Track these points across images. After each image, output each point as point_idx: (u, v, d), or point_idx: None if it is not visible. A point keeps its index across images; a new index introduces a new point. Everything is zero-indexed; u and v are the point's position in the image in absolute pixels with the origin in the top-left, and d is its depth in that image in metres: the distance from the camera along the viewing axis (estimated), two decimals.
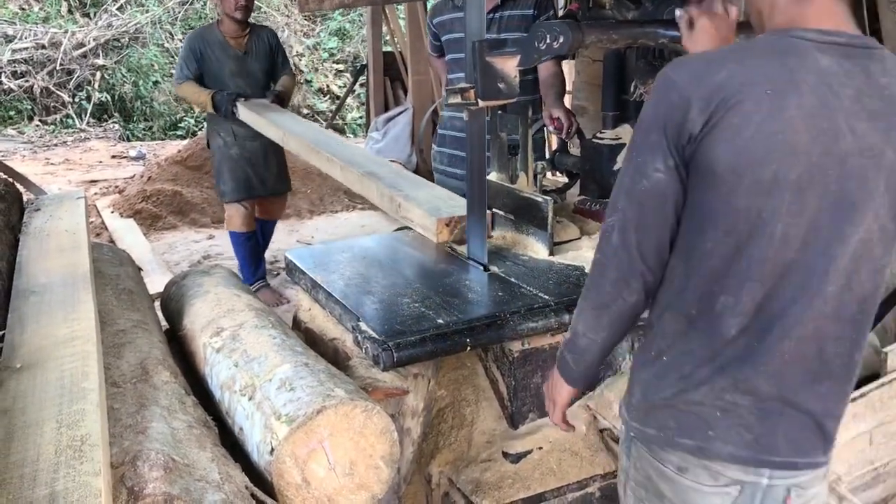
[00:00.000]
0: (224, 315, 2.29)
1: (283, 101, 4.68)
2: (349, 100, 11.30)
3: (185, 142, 8.30)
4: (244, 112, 4.39)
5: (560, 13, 3.65)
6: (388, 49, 7.76)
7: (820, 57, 1.25)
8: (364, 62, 8.06)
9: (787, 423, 1.35)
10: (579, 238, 2.68)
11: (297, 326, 2.59)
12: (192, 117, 11.33)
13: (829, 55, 1.25)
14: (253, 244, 4.87)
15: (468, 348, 2.15)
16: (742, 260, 1.29)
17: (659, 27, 2.26)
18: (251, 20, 4.78)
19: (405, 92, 7.48)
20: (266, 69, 4.74)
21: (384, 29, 7.57)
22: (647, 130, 1.32)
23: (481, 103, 2.29)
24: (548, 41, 2.15)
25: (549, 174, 4.08)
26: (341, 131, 11.34)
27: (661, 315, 1.43)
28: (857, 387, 2.57)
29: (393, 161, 6.64)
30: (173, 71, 12.12)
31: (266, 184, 4.77)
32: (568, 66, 5.14)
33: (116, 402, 1.78)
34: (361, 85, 9.46)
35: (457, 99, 2.33)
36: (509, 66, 2.26)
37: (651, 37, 2.24)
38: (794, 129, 1.22)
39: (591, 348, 1.53)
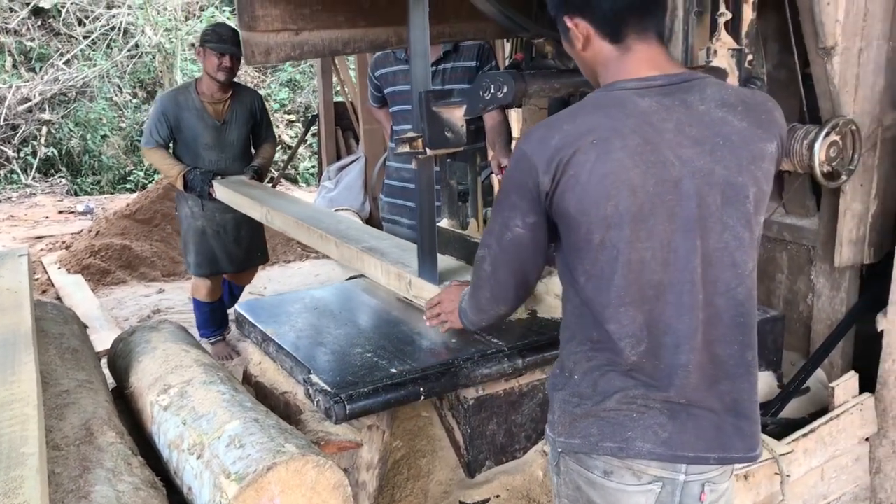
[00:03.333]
0: (171, 372, 2.24)
1: (262, 175, 4.28)
2: (301, 150, 11.31)
3: (135, 195, 8.19)
4: (221, 191, 3.99)
5: (506, 62, 3.72)
6: (340, 99, 7.81)
7: (639, 101, 1.44)
8: (315, 112, 8.09)
9: (694, 422, 1.49)
10: None
11: (248, 381, 2.54)
12: (141, 170, 11.21)
13: (649, 97, 1.45)
14: (216, 310, 4.50)
15: (422, 397, 2.13)
16: (611, 289, 1.45)
17: None
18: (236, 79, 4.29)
19: (357, 141, 7.51)
20: (246, 137, 4.28)
21: (335, 80, 7.63)
22: (508, 192, 1.53)
23: (429, 152, 2.31)
24: (492, 91, 2.19)
25: None
26: (294, 181, 11.32)
27: (570, 339, 1.58)
28: (808, 423, 2.61)
29: (346, 209, 6.67)
30: (122, 125, 12.10)
31: (234, 261, 4.32)
32: (516, 114, 5.23)
33: (58, 466, 1.72)
34: (313, 135, 9.49)
35: (406, 148, 2.35)
36: (456, 115, 2.29)
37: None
38: (624, 166, 1.40)
39: (478, 324, 1.85)
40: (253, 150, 4.36)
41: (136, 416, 2.29)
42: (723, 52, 2.28)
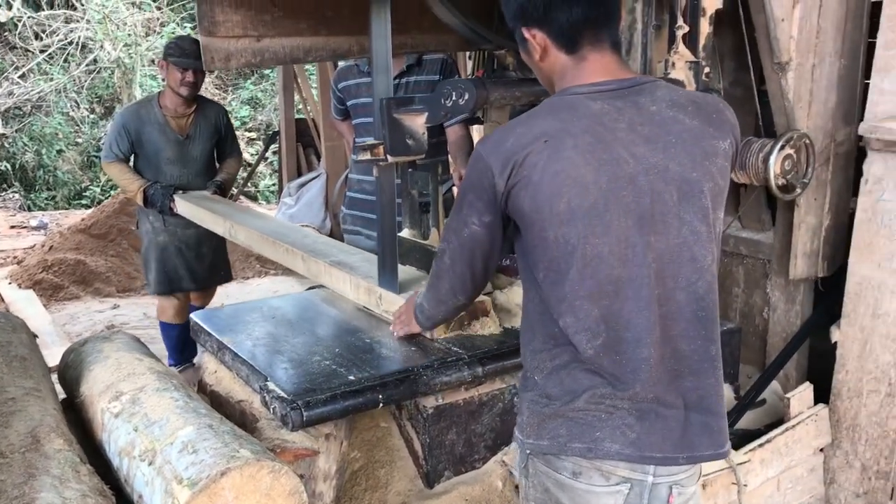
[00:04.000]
0: (124, 379, 2.18)
1: (225, 190, 4.15)
2: (261, 167, 11.23)
3: (90, 210, 8.04)
4: (182, 206, 3.86)
5: (468, 78, 3.73)
6: (302, 116, 7.79)
7: (591, 104, 1.49)
8: (276, 129, 8.04)
9: (662, 423, 1.50)
10: (491, 292, 2.69)
11: (203, 390, 2.49)
12: (97, 186, 11.03)
13: (600, 100, 1.50)
14: (184, 333, 4.03)
15: (380, 405, 2.11)
16: (565, 283, 1.48)
17: None
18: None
19: (318, 157, 7.48)
20: (209, 151, 4.16)
21: (297, 97, 7.60)
22: (465, 191, 1.59)
23: (390, 159, 2.30)
24: (454, 98, 2.20)
25: None
26: (254, 199, 11.22)
27: (531, 338, 1.60)
28: (764, 434, 2.64)
29: (306, 226, 6.62)
30: (79, 140, 11.91)
31: (196, 278, 4.16)
32: (478, 132, 5.25)
33: (2, 474, 1.67)
34: (274, 152, 9.43)
35: (366, 155, 2.34)
36: (417, 122, 2.29)
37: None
38: (575, 164, 1.44)
39: (435, 318, 1.99)
40: (217, 165, 4.25)
41: (86, 425, 2.22)
42: (680, 64, 2.32)
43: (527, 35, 1.57)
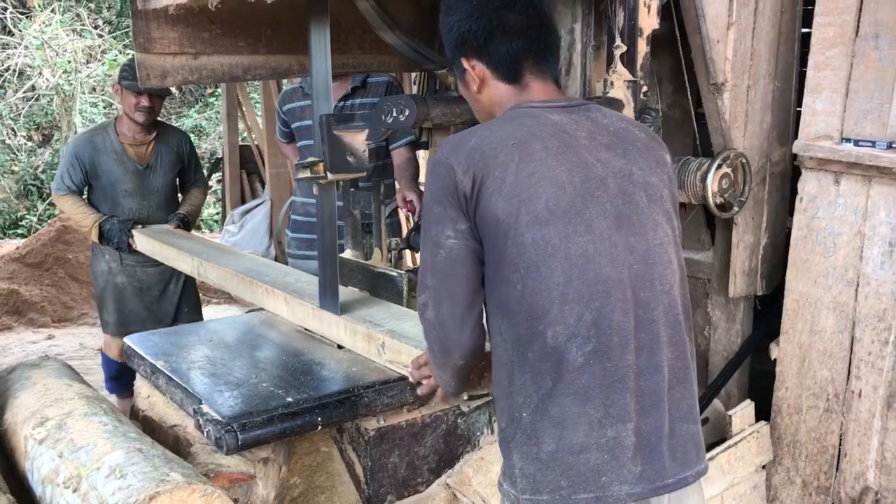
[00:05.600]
0: (50, 405, 2.10)
1: (189, 224, 3.81)
2: None
3: (26, 239, 7.81)
4: (142, 242, 3.54)
5: None
6: (246, 143, 7.70)
7: (550, 115, 1.48)
8: (220, 156, 7.94)
9: (661, 443, 1.42)
10: None
11: (136, 416, 2.40)
12: (34, 215, 10.74)
13: (556, 113, 1.50)
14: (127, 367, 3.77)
15: (319, 427, 2.06)
16: (552, 288, 1.38)
17: None
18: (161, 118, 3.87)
19: (262, 184, 7.40)
20: (171, 182, 3.83)
21: (241, 124, 7.53)
22: (430, 206, 1.45)
23: (330, 177, 2.27)
24: (394, 114, 2.18)
25: (408, 253, 4.11)
26: (196, 227, 11.05)
27: (510, 373, 1.45)
28: (706, 451, 2.64)
29: (250, 253, 6.52)
30: (15, 168, 11.59)
31: (158, 319, 3.74)
32: (423, 156, 5.25)
33: None
34: (218, 180, 9.31)
35: (306, 174, 2.31)
36: (357, 139, 2.26)
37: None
38: (548, 165, 1.40)
39: (451, 384, 1.63)
40: (180, 196, 3.94)
41: (9, 454, 2.12)
42: (619, 83, 2.35)
43: (466, 65, 1.56)
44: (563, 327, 1.38)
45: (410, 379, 1.86)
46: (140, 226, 3.63)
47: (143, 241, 3.55)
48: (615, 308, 1.39)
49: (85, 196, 3.75)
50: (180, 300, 3.85)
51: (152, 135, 3.73)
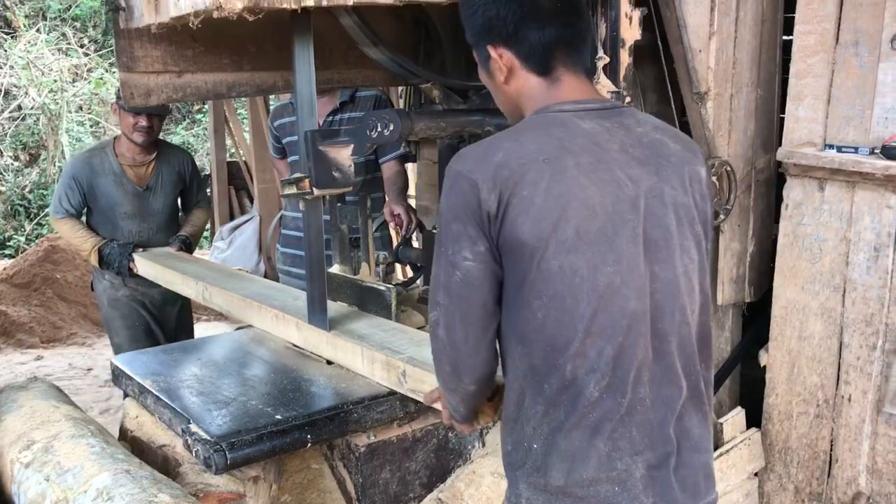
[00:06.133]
0: (37, 427, 2.08)
1: (191, 246, 3.71)
2: None
3: (13, 259, 7.76)
4: (144, 266, 3.44)
5: None
6: (234, 159, 7.70)
7: (581, 122, 1.37)
8: (207, 172, 7.94)
9: (673, 473, 1.36)
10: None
11: (124, 436, 2.38)
12: (21, 235, 10.69)
13: (589, 119, 1.38)
14: None
15: (309, 444, 2.05)
16: (575, 320, 1.30)
17: (485, 115, 2.35)
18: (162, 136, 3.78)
19: (251, 200, 7.39)
20: (173, 203, 3.72)
21: (228, 140, 7.53)
22: (447, 223, 1.35)
23: (316, 192, 2.26)
24: (379, 129, 2.18)
25: (398, 267, 4.10)
26: None
27: (519, 401, 1.39)
28: None
29: (240, 270, 6.50)
30: (2, 188, 11.52)
31: (166, 332, 3.71)
32: (412, 169, 5.26)
33: None
34: None
35: (292, 189, 2.30)
36: (343, 154, 2.26)
37: (477, 124, 2.32)
38: (580, 184, 1.30)
39: (458, 409, 1.56)
40: (181, 216, 3.83)
41: None
42: (602, 94, 2.35)
43: (492, 53, 1.44)
44: (583, 361, 1.31)
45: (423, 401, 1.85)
46: (141, 249, 3.54)
47: (144, 265, 3.46)
48: (636, 342, 1.33)
49: (84, 218, 3.66)
50: (179, 325, 3.78)
51: (152, 155, 3.62)
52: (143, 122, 3.43)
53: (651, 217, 1.35)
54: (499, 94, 1.51)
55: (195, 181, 3.83)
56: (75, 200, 3.53)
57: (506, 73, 1.45)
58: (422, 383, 2.00)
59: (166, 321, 3.73)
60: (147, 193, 3.60)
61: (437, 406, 1.72)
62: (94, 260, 3.55)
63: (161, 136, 3.72)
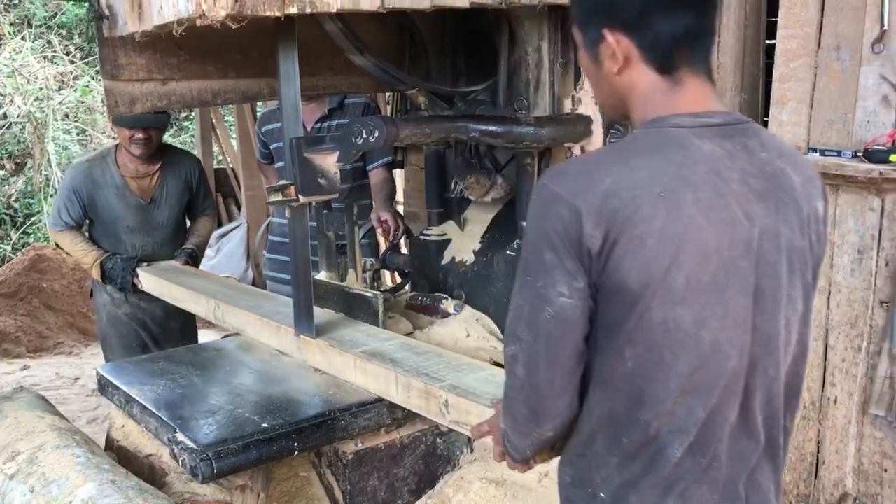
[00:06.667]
0: (21, 438, 2.07)
1: (197, 259, 3.54)
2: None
3: None
4: (148, 282, 3.30)
5: None
6: (221, 166, 7.69)
7: (701, 143, 1.19)
8: None
9: None
10: (412, 333, 2.66)
11: (110, 447, 2.37)
12: (7, 244, 10.62)
13: (709, 139, 1.20)
14: None
15: (296, 452, 2.04)
16: (670, 378, 1.17)
17: (470, 122, 2.35)
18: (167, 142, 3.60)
19: (238, 207, 7.38)
20: (179, 215, 3.55)
21: (215, 147, 7.51)
22: (540, 251, 1.17)
23: (302, 199, 2.26)
24: (364, 135, 2.19)
25: (386, 273, 4.09)
26: None
27: (589, 443, 1.28)
28: None
29: (228, 276, 6.48)
30: None
31: (164, 348, 3.44)
32: (400, 175, 5.26)
33: None
34: None
35: (278, 196, 2.30)
36: (328, 161, 2.26)
37: (462, 131, 2.32)
38: (698, 225, 1.14)
39: (524, 452, 1.38)
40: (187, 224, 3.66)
41: None
42: (587, 99, 2.37)
43: (609, 38, 1.23)
44: (670, 419, 1.18)
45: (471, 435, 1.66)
46: (145, 263, 3.41)
47: (149, 280, 3.31)
48: (727, 401, 1.20)
49: (86, 229, 3.53)
50: (183, 340, 3.58)
51: (156, 165, 3.45)
52: (139, 134, 3.28)
53: (763, 263, 1.20)
54: (604, 84, 1.31)
55: (202, 188, 3.67)
56: (75, 213, 3.39)
57: (621, 63, 1.24)
58: (467, 414, 1.82)
59: (169, 338, 3.56)
60: (151, 206, 3.45)
61: (486, 440, 1.57)
62: (95, 274, 3.42)
63: None
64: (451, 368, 2.06)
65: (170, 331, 3.59)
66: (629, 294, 1.14)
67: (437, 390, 1.93)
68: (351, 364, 2.23)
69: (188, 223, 3.72)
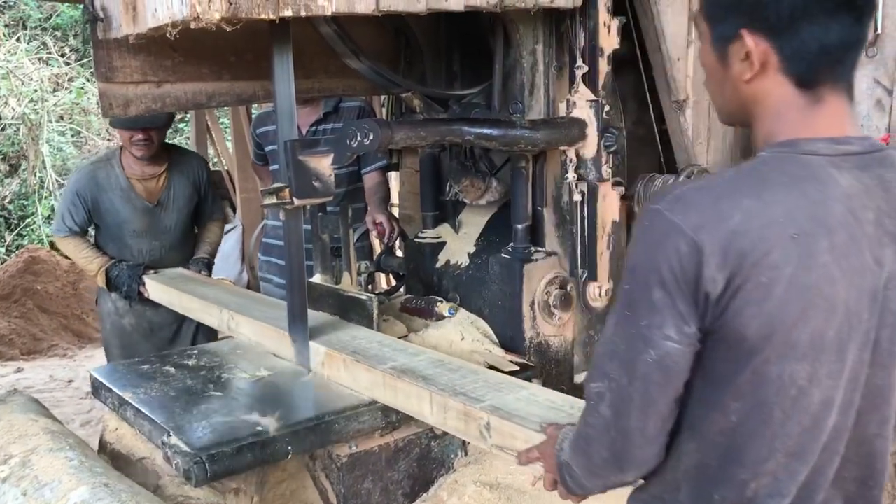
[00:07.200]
0: (14, 441, 2.06)
1: (211, 267, 3.45)
2: None
3: None
4: (156, 290, 3.21)
5: None
6: (216, 169, 7.69)
7: (838, 176, 1.07)
8: None
9: None
10: (406, 336, 2.66)
11: (104, 450, 2.37)
12: (1, 246, 10.60)
13: (847, 171, 1.08)
14: None
15: (290, 455, 2.04)
16: (776, 438, 1.08)
17: (464, 125, 2.36)
18: (171, 143, 3.49)
19: (234, 210, 7.37)
20: (187, 218, 3.45)
21: (210, 150, 7.51)
22: (648, 286, 1.06)
23: (297, 202, 2.26)
24: (359, 138, 2.19)
25: (381, 276, 4.09)
26: None
27: (672, 491, 1.18)
28: None
29: (222, 279, 6.47)
30: None
31: None
32: (395, 178, 5.26)
33: None
34: None
35: (273, 199, 2.30)
36: (323, 164, 2.26)
37: (457, 134, 2.32)
38: (831, 277, 1.03)
39: (590, 490, 1.28)
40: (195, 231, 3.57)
41: None
42: (582, 103, 2.37)
43: (747, 40, 1.09)
44: (770, 481, 1.09)
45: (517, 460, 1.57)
46: (152, 271, 3.32)
47: (156, 288, 3.22)
48: (829, 461, 1.11)
49: (92, 234, 3.45)
50: (195, 340, 3.47)
51: (163, 167, 3.36)
52: (138, 135, 3.20)
53: (886, 314, 1.10)
54: (727, 88, 1.16)
55: (210, 190, 3.58)
56: (80, 218, 3.30)
57: (756, 69, 1.10)
58: (512, 439, 1.68)
59: (177, 344, 3.45)
60: (158, 209, 3.36)
61: (534, 466, 1.49)
62: (101, 282, 3.33)
63: None
64: (488, 387, 1.94)
65: (180, 337, 3.48)
66: (745, 345, 1.04)
67: (477, 411, 1.78)
68: (380, 380, 2.11)
69: (195, 227, 3.65)
